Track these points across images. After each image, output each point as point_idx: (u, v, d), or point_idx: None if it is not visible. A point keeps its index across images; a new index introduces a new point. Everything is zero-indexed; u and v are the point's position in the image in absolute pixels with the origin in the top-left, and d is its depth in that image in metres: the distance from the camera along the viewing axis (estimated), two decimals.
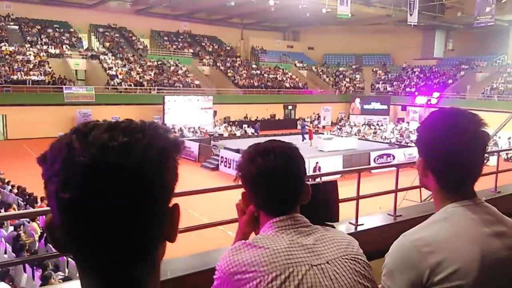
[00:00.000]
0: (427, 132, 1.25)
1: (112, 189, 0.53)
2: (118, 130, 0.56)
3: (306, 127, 27.52)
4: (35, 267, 7.74)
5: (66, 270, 8.09)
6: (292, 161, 1.16)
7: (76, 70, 32.68)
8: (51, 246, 8.53)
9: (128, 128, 0.57)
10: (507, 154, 22.32)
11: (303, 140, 24.85)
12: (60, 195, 0.54)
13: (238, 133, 30.70)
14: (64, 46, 33.15)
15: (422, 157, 1.26)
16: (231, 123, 33.14)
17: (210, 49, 42.58)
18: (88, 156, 0.53)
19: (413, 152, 20.97)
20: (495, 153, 8.19)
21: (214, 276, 1.08)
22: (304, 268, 1.03)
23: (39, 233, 9.50)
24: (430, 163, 1.24)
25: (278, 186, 1.13)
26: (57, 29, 34.94)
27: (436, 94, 35.19)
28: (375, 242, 1.23)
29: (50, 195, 0.56)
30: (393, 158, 22.55)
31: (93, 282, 0.58)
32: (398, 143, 27.16)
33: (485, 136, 1.20)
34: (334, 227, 1.24)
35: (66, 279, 7.37)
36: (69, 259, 8.33)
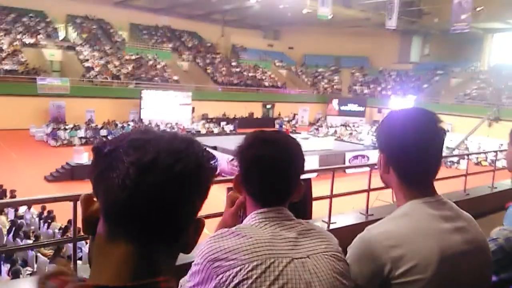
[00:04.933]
0: (388, 129, 1.27)
1: (173, 164, 0.62)
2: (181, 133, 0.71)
3: (283, 126, 27.65)
4: (2, 262, 7.55)
5: (35, 265, 7.91)
6: (292, 155, 1.14)
7: (51, 61, 31.89)
8: (19, 240, 8.35)
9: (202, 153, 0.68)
10: (477, 158, 22.94)
11: None
12: (129, 158, 0.61)
13: (216, 130, 30.58)
14: (39, 36, 32.31)
15: (383, 154, 1.28)
16: (209, 120, 32.99)
17: (190, 45, 42.24)
18: (163, 136, 0.66)
19: None
20: (466, 157, 8.41)
21: (193, 262, 1.06)
22: (285, 261, 1.03)
23: (7, 227, 9.25)
24: (392, 160, 1.26)
25: (272, 178, 1.12)
26: (33, 18, 34.02)
27: (411, 98, 35.89)
28: (346, 240, 1.26)
29: (114, 159, 0.62)
30: (368, 159, 22.88)
31: (112, 254, 0.63)
32: (373, 144, 27.59)
33: (442, 133, 1.24)
34: None
35: (34, 274, 7.21)
36: (38, 254, 8.16)
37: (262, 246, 1.04)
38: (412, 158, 1.22)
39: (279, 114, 38.87)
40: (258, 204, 1.14)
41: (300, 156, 1.17)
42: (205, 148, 0.69)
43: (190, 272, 1.07)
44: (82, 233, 2.97)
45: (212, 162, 0.69)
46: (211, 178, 0.69)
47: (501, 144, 19.42)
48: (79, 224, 0.69)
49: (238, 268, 1.00)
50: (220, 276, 1.00)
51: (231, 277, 0.99)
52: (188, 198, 0.65)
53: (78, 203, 0.71)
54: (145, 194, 0.60)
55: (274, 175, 1.12)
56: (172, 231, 0.65)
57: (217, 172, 0.72)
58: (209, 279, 1.01)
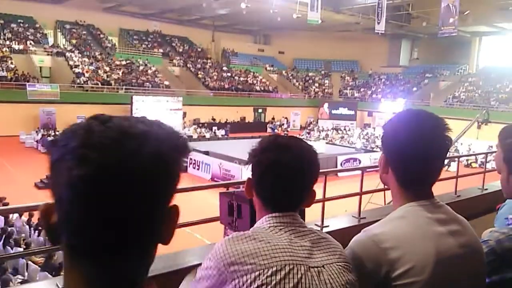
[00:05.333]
0: (393, 131, 1.25)
1: (126, 173, 0.53)
2: (137, 121, 0.59)
3: (276, 130, 27.69)
4: None
5: (26, 273, 7.81)
6: (307, 162, 1.14)
7: (40, 67, 31.63)
8: (9, 248, 8.24)
9: (146, 120, 0.60)
10: (467, 160, 23.14)
11: None
12: (74, 172, 0.52)
13: (207, 135, 30.53)
14: (28, 42, 32.08)
15: (385, 154, 1.29)
16: (200, 125, 32.93)
17: (181, 50, 42.23)
18: (108, 138, 0.54)
19: (378, 157, 21.53)
20: (456, 159, 8.48)
21: (203, 265, 1.02)
22: (303, 268, 1.02)
23: None
24: (392, 162, 1.27)
25: (286, 183, 1.11)
26: (22, 24, 33.79)
27: (401, 101, 36.20)
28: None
29: (59, 174, 0.54)
30: (359, 162, 22.98)
31: (80, 272, 0.56)
32: (364, 148, 27.74)
33: (448, 141, 1.22)
34: None
35: (25, 282, 7.12)
36: (29, 262, 8.05)
37: (280, 252, 1.01)
38: (411, 163, 1.21)
39: (273, 118, 38.95)
40: (268, 209, 1.12)
41: (315, 163, 1.16)
42: (169, 134, 0.61)
43: (196, 276, 1.03)
44: None
45: (179, 148, 0.60)
46: (180, 165, 0.60)
47: (491, 146, 19.63)
48: None
49: (258, 272, 0.97)
50: (237, 280, 0.97)
51: (248, 281, 0.96)
52: (153, 202, 0.56)
53: None
54: (98, 211, 0.52)
55: (288, 180, 1.11)
56: (143, 236, 0.57)
57: (189, 153, 0.63)
58: (223, 283, 0.98)
